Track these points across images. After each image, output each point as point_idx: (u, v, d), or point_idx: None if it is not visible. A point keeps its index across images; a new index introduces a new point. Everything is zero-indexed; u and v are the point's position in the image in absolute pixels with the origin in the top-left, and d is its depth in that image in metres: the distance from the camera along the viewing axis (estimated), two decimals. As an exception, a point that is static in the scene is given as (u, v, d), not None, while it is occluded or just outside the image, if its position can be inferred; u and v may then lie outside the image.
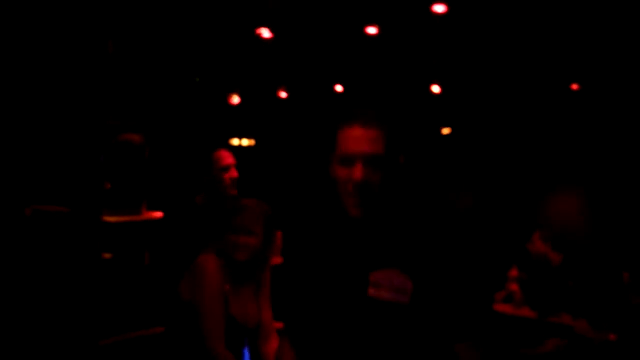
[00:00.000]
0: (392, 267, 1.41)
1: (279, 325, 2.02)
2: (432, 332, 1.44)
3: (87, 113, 2.62)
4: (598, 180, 5.50)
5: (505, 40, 4.16)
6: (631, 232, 4.68)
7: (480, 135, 6.20)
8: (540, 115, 5.60)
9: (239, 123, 5.68)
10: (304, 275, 1.54)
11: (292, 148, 6.16)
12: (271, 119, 5.98)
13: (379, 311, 1.39)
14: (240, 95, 5.02)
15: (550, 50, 4.23)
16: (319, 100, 5.38)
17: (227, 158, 3.02)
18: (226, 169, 2.98)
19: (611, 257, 4.42)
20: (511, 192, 6.00)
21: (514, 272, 4.43)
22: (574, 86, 4.90)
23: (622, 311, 3.66)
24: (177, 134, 4.88)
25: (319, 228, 1.56)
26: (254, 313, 2.33)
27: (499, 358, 3.84)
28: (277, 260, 2.75)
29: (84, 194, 2.56)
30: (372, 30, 3.86)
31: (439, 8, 3.44)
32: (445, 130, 6.26)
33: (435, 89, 5.00)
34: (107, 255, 3.03)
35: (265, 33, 3.87)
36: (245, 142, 5.96)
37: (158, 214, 3.20)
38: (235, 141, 5.92)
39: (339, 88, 5.16)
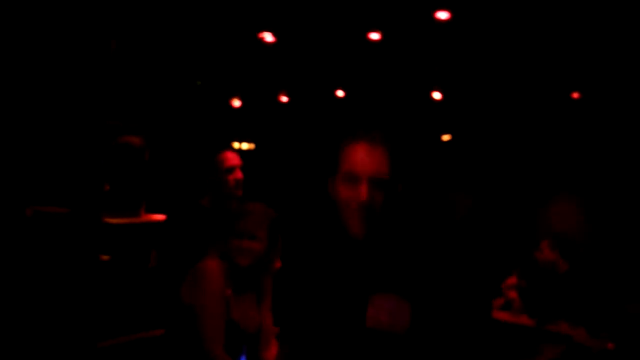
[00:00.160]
0: (391, 290, 1.40)
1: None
2: (431, 355, 1.43)
3: (89, 115, 2.62)
4: (597, 187, 5.51)
5: (506, 48, 4.17)
6: (630, 240, 4.68)
7: (480, 142, 6.21)
8: (541, 122, 5.61)
9: (240, 126, 5.67)
10: (301, 296, 1.52)
11: (292, 155, 6.16)
12: (271, 123, 5.97)
13: (377, 336, 1.38)
14: (241, 99, 5.02)
15: (550, 58, 4.24)
16: (319, 105, 5.38)
17: (232, 159, 2.99)
18: (231, 170, 2.95)
19: (610, 264, 4.42)
20: (511, 199, 6.00)
21: (513, 280, 4.43)
22: (575, 94, 4.91)
23: (620, 319, 3.66)
24: (177, 137, 4.88)
25: (318, 248, 1.54)
26: (255, 319, 2.31)
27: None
28: (279, 264, 2.74)
29: (84, 195, 2.55)
30: (375, 36, 3.86)
31: (442, 15, 3.45)
32: (446, 137, 6.27)
33: (437, 95, 5.00)
34: (105, 257, 3.02)
35: (268, 37, 3.87)
36: (245, 145, 5.95)
37: (157, 217, 3.19)
38: (235, 145, 5.92)
39: (340, 93, 5.16)
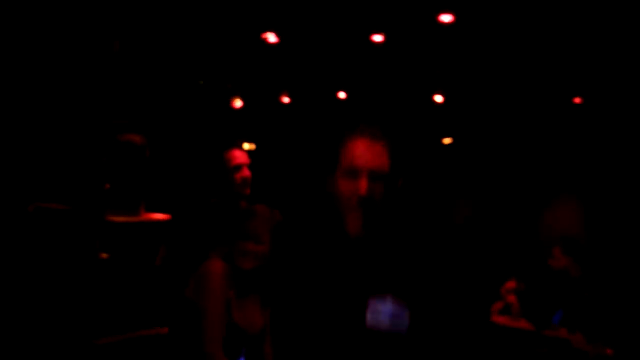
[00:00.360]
0: (390, 292, 1.39)
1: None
2: (430, 354, 1.42)
3: (91, 112, 2.62)
4: (596, 190, 5.51)
5: (508, 52, 4.17)
6: (629, 242, 4.68)
7: (480, 145, 6.21)
8: (541, 126, 5.62)
9: (241, 126, 5.67)
10: (299, 296, 1.50)
11: (293, 155, 6.15)
12: (273, 124, 5.97)
13: (375, 338, 1.38)
14: (243, 99, 5.02)
15: (552, 62, 4.24)
16: (321, 107, 5.38)
17: (240, 157, 2.97)
18: (238, 168, 2.93)
19: (609, 267, 4.42)
20: (510, 203, 6.00)
21: (512, 284, 4.42)
22: (577, 99, 4.92)
23: (619, 324, 3.65)
24: (179, 135, 4.88)
25: (316, 247, 1.52)
26: (257, 321, 2.29)
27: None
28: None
29: (86, 192, 2.55)
30: (377, 38, 3.86)
31: (446, 18, 3.45)
32: (447, 140, 6.27)
33: (438, 98, 5.00)
34: (104, 255, 3.02)
35: (271, 38, 3.87)
36: (246, 146, 5.95)
37: (158, 216, 3.18)
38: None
39: (342, 95, 5.16)
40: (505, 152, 6.06)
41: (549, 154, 5.82)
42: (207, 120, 5.14)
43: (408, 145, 1.65)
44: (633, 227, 5.02)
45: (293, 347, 1.52)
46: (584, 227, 5.38)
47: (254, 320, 2.28)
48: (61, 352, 2.47)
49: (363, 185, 1.38)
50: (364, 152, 1.40)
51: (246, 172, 2.95)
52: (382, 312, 1.37)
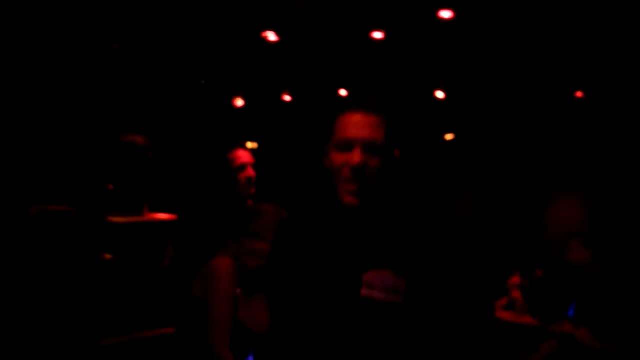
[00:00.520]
0: (385, 266, 1.37)
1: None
2: (425, 333, 1.41)
3: (93, 113, 2.62)
4: (599, 186, 5.50)
5: (509, 47, 4.16)
6: (632, 238, 4.67)
7: (482, 141, 6.20)
8: (542, 121, 5.60)
9: (244, 126, 5.68)
10: (294, 271, 1.50)
11: (293, 145, 6.14)
12: (275, 123, 5.98)
13: (371, 311, 1.36)
14: (245, 99, 5.03)
15: (553, 57, 4.23)
16: (322, 105, 5.37)
17: (244, 157, 2.97)
18: (242, 168, 2.94)
19: (611, 263, 4.39)
20: (512, 197, 5.99)
21: (516, 279, 4.42)
22: (579, 94, 4.90)
23: (623, 319, 3.65)
24: (181, 136, 4.88)
25: (312, 222, 1.51)
26: (264, 320, 2.30)
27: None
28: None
29: (89, 193, 2.55)
30: (378, 35, 3.86)
31: (446, 14, 3.44)
32: (449, 136, 6.26)
33: (440, 94, 4.99)
34: (108, 256, 3.02)
35: (272, 36, 3.87)
36: (249, 145, 5.96)
37: (161, 216, 3.19)
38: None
39: (343, 92, 5.16)
40: (508, 147, 6.05)
41: (551, 150, 5.81)
42: (209, 120, 5.15)
43: (404, 119, 1.65)
44: (636, 222, 5.01)
45: (288, 321, 1.51)
46: (588, 223, 5.36)
47: (261, 319, 2.29)
48: (65, 354, 2.47)
49: (357, 156, 1.37)
50: (357, 124, 1.40)
51: (250, 172, 2.95)
52: (377, 284, 1.34)
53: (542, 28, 3.74)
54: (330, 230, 1.45)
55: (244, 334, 2.24)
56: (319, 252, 1.46)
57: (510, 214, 5.89)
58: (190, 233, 2.93)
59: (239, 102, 4.98)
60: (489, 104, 5.47)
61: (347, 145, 1.40)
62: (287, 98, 5.28)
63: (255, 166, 3.04)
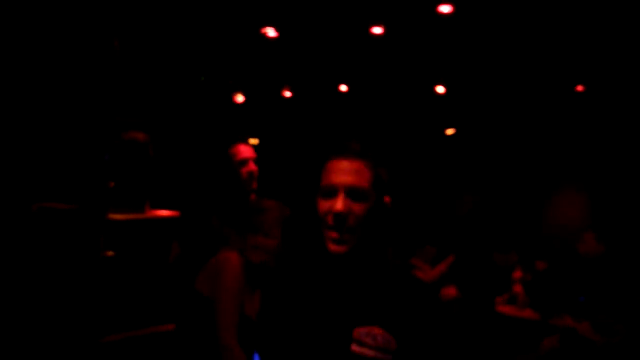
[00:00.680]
0: (376, 322, 1.34)
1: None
2: None
3: (93, 111, 2.62)
4: (601, 181, 5.50)
5: (509, 42, 4.15)
6: (633, 233, 4.67)
7: (483, 137, 6.20)
8: (543, 116, 5.60)
9: (245, 121, 5.68)
10: (284, 324, 1.46)
11: (296, 148, 6.14)
12: (276, 118, 5.98)
13: None
14: (245, 94, 5.03)
15: (554, 52, 4.23)
16: (323, 100, 5.38)
17: (245, 152, 2.97)
18: (244, 163, 2.94)
19: (614, 258, 4.39)
20: (513, 192, 5.99)
21: (517, 274, 4.42)
22: (580, 88, 4.89)
23: (625, 312, 3.65)
24: (181, 132, 4.89)
25: (302, 272, 1.48)
26: None
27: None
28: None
29: (90, 191, 2.56)
30: (377, 30, 3.85)
31: (445, 9, 3.44)
32: (450, 131, 6.26)
33: (440, 89, 4.99)
34: (110, 253, 3.04)
35: (271, 32, 3.87)
36: (251, 140, 5.96)
37: (163, 212, 3.20)
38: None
39: (343, 88, 5.15)
40: (510, 144, 6.04)
41: (552, 144, 5.80)
42: (210, 116, 5.15)
43: (394, 162, 1.62)
44: (636, 219, 5.01)
45: None
46: (589, 217, 5.36)
47: None
48: (67, 351, 2.49)
49: (339, 202, 1.34)
50: (341, 170, 1.37)
51: (252, 167, 2.95)
52: (367, 341, 1.32)
53: (542, 22, 3.74)
54: (319, 280, 1.42)
55: (250, 330, 2.25)
56: (308, 304, 1.43)
57: (510, 208, 5.89)
58: (194, 229, 2.94)
59: (240, 98, 4.98)
60: (490, 99, 5.46)
61: (331, 192, 1.37)
62: (288, 94, 5.28)
63: (257, 161, 3.04)
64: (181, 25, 3.82)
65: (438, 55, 4.52)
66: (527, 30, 3.89)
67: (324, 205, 1.38)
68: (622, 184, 5.30)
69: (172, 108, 4.62)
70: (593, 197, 5.56)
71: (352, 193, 1.36)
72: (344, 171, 1.37)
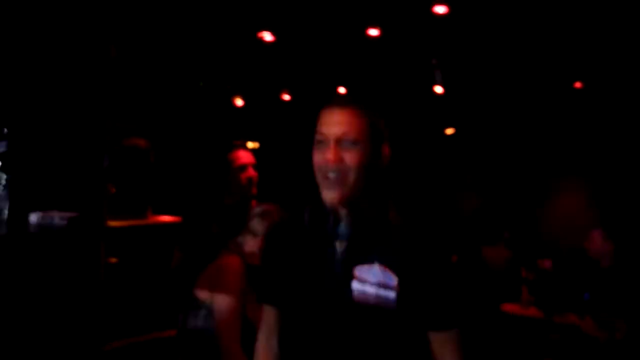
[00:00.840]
0: (377, 261, 1.35)
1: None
2: (418, 333, 1.37)
3: (92, 118, 2.63)
4: (602, 178, 5.49)
5: (507, 39, 4.15)
6: (635, 229, 4.66)
7: (483, 134, 6.19)
8: (544, 114, 5.59)
9: (244, 126, 5.69)
10: (284, 271, 1.48)
11: (296, 153, 6.12)
12: (275, 122, 5.99)
13: (363, 311, 1.34)
14: (244, 99, 5.04)
15: (550, 49, 4.22)
16: (321, 102, 5.38)
17: (244, 157, 2.97)
18: (243, 168, 2.94)
19: (621, 255, 4.38)
20: (513, 191, 5.98)
21: (521, 273, 4.42)
22: (578, 84, 4.89)
23: (628, 309, 3.65)
24: (182, 137, 4.90)
25: (301, 222, 1.48)
26: None
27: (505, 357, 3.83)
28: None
29: (89, 198, 2.57)
30: (374, 32, 3.86)
31: (440, 9, 3.44)
32: (449, 131, 6.26)
33: (438, 89, 4.99)
34: (113, 260, 3.04)
35: (267, 36, 3.88)
36: (250, 145, 5.97)
37: (165, 218, 3.21)
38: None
39: (342, 90, 5.16)
40: (509, 140, 6.04)
41: (553, 142, 5.80)
42: (210, 121, 5.16)
43: (390, 110, 1.59)
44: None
45: (278, 322, 1.51)
46: (588, 214, 5.35)
47: None
48: (70, 359, 2.49)
49: (330, 152, 1.35)
50: (331, 120, 1.38)
51: (251, 172, 2.96)
52: (369, 279, 1.33)
53: (538, 19, 3.74)
54: (318, 229, 1.43)
55: (252, 333, 2.25)
56: (308, 251, 1.44)
57: (512, 206, 5.88)
58: (195, 235, 2.95)
59: (239, 102, 4.99)
60: (489, 97, 5.46)
61: (322, 142, 1.38)
62: (287, 97, 5.29)
63: (256, 166, 3.05)
64: (179, 31, 3.83)
65: (435, 54, 4.52)
66: (523, 28, 3.89)
67: (317, 156, 1.39)
68: (626, 180, 5.29)
69: (172, 114, 4.63)
70: (595, 194, 5.55)
71: (343, 142, 1.35)
72: (334, 121, 1.37)
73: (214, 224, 2.85)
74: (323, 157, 1.36)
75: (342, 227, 1.39)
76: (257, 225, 2.29)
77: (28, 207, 2.42)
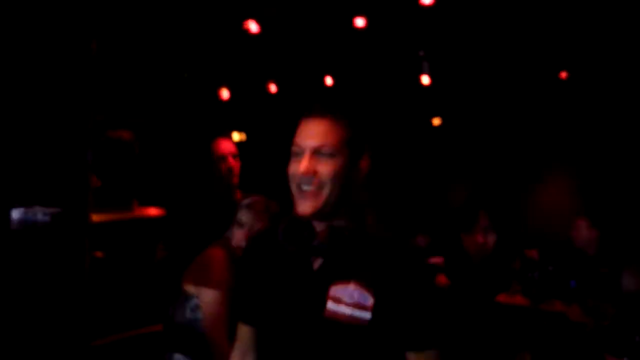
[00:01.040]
0: (353, 278, 1.31)
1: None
2: (395, 353, 1.32)
3: (74, 111, 2.60)
4: (588, 167, 5.53)
5: (493, 29, 4.16)
6: (622, 218, 4.70)
7: (469, 125, 6.21)
8: (529, 103, 5.61)
9: (229, 117, 5.66)
10: (258, 286, 1.46)
11: (283, 145, 6.10)
12: (262, 113, 5.96)
13: (337, 330, 1.30)
14: (230, 90, 5.00)
15: (537, 39, 4.24)
16: (309, 94, 5.36)
17: (224, 148, 2.94)
18: (223, 158, 2.92)
19: (607, 242, 4.42)
20: (499, 181, 6.01)
21: (515, 264, 4.44)
22: (563, 74, 4.91)
23: (614, 297, 3.68)
24: (167, 129, 4.86)
25: (276, 234, 1.41)
26: None
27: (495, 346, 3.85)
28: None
29: (72, 193, 2.54)
30: (360, 22, 3.84)
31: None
32: (436, 121, 6.26)
33: (425, 80, 4.99)
34: (99, 254, 3.02)
35: (253, 27, 3.85)
36: (236, 136, 5.94)
37: (151, 211, 3.19)
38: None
39: (329, 81, 5.14)
40: (495, 130, 6.06)
41: (539, 132, 5.82)
42: (195, 112, 5.13)
43: (372, 120, 1.55)
44: (625, 204, 5.05)
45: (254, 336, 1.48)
46: (579, 204, 5.39)
47: None
48: (59, 356, 2.47)
49: (302, 163, 1.31)
50: (308, 131, 1.34)
51: (231, 162, 2.93)
52: (344, 298, 1.30)
53: (524, 9, 3.74)
54: (292, 244, 1.37)
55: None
56: (282, 267, 1.41)
57: (497, 198, 5.90)
58: (180, 226, 2.92)
59: (225, 94, 4.96)
60: (475, 87, 5.47)
61: (298, 153, 1.34)
62: (273, 88, 5.26)
63: (239, 156, 3.02)
64: (162, 21, 3.79)
65: (422, 45, 4.52)
66: (509, 18, 3.89)
67: (292, 167, 1.35)
68: (610, 168, 5.33)
69: (156, 105, 4.59)
70: (580, 182, 5.59)
71: (318, 153, 1.32)
72: (312, 133, 1.33)
73: (200, 217, 2.83)
74: (297, 169, 1.32)
75: (318, 242, 1.34)
76: (243, 216, 2.27)
77: (9, 203, 2.38)
